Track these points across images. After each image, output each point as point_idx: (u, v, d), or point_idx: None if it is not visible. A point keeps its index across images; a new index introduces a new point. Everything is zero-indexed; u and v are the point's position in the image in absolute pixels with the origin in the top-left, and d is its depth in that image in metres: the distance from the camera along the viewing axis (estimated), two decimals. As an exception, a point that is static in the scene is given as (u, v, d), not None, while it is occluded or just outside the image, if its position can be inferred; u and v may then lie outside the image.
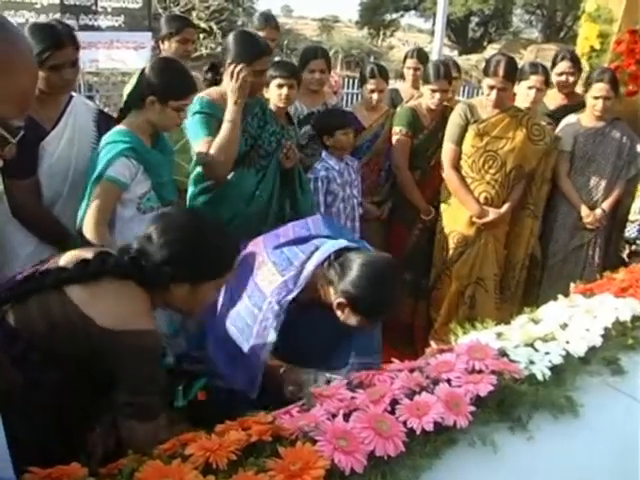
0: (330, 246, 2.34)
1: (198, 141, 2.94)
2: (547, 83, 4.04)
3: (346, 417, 1.28)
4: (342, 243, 2.37)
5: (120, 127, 2.64)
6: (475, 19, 28.72)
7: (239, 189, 3.03)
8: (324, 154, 3.65)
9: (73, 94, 2.75)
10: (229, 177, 3.02)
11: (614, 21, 4.27)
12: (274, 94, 3.38)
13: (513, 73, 3.71)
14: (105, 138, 2.62)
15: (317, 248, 2.34)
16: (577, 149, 3.99)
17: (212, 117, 2.94)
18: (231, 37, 3.03)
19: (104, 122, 2.78)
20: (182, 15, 4.14)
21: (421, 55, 4.87)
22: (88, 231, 2.50)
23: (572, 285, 2.31)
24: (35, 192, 2.58)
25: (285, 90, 3.36)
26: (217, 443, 1.16)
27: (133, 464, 1.15)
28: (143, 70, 2.67)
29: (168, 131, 2.80)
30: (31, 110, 2.45)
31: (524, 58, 15.86)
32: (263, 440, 1.20)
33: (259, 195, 3.08)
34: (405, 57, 4.98)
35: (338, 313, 2.26)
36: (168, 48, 4.00)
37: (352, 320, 2.25)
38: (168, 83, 2.60)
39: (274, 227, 3.02)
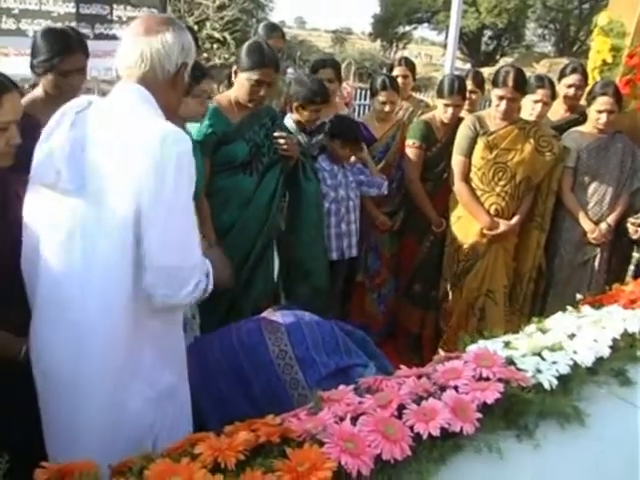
0: None
1: None
2: (553, 97, 4.03)
3: (353, 421, 1.29)
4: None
5: None
6: (488, 32, 28.80)
7: (238, 194, 3.08)
8: (321, 156, 3.68)
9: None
10: (228, 183, 3.07)
11: (626, 35, 4.26)
12: (305, 116, 3.54)
13: (522, 84, 3.72)
14: None
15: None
16: (580, 164, 3.95)
17: (212, 134, 3.01)
18: (244, 46, 3.13)
19: None
20: (188, 25, 4.11)
21: (409, 63, 4.91)
22: None
23: (578, 296, 2.31)
24: None
25: (315, 115, 3.58)
26: (226, 443, 1.17)
27: (143, 462, 1.17)
28: None
29: (193, 120, 2.84)
30: (37, 112, 2.52)
31: (537, 72, 15.83)
32: (271, 441, 1.21)
33: (258, 198, 3.13)
34: (392, 65, 5.02)
35: None
36: None
37: None
38: None
39: (270, 231, 3.10)
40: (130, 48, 1.82)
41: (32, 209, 1.85)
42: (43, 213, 1.81)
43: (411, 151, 4.07)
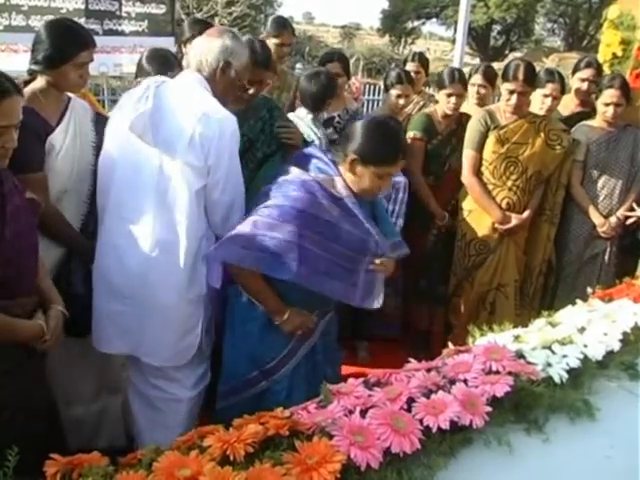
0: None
1: None
2: (563, 91, 4.01)
3: (363, 414, 1.29)
4: None
5: None
6: (497, 27, 28.66)
7: None
8: None
9: (70, 95, 2.76)
10: None
11: (637, 28, 4.23)
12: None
13: (532, 78, 3.70)
14: None
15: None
16: (589, 157, 3.93)
17: None
18: None
19: (101, 124, 2.78)
20: (204, 19, 4.13)
21: (422, 59, 4.89)
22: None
23: (589, 290, 2.30)
24: (45, 188, 2.55)
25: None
26: (235, 436, 1.17)
27: (152, 454, 1.17)
28: None
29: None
30: (37, 106, 2.52)
31: (546, 66, 15.74)
32: (280, 434, 1.21)
33: (250, 192, 3.10)
34: (405, 60, 5.01)
35: (350, 178, 2.45)
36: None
37: (366, 179, 2.43)
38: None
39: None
40: (194, 46, 2.58)
41: (115, 146, 2.56)
42: (125, 151, 2.51)
43: (412, 143, 4.04)
